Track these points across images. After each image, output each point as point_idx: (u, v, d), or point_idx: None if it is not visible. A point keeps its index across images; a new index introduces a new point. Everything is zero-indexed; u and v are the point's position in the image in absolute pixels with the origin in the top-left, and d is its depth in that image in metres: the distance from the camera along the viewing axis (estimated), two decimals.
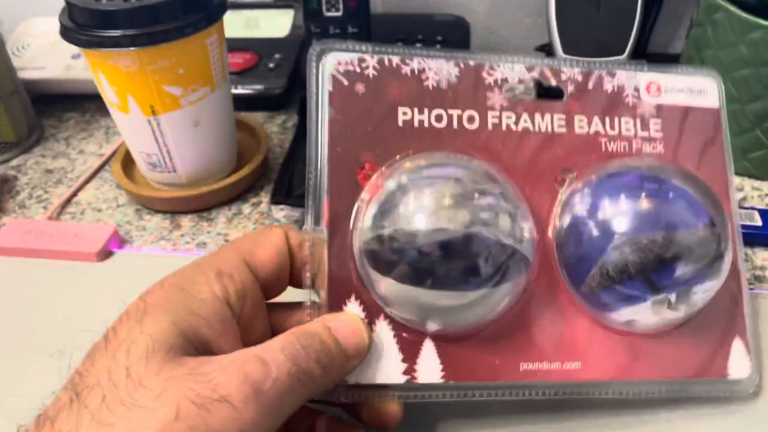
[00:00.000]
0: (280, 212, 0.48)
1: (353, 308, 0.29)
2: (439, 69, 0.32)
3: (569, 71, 0.33)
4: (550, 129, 0.32)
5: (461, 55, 0.32)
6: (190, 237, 0.46)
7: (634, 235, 0.29)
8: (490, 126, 0.32)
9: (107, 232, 0.45)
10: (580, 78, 0.33)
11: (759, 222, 0.42)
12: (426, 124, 0.31)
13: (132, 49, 0.40)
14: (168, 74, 0.42)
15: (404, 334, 0.29)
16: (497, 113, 0.32)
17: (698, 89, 0.35)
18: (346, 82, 0.31)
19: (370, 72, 0.31)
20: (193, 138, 0.45)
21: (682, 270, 0.28)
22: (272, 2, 0.66)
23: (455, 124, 0.32)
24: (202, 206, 0.48)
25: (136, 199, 0.49)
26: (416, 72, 0.32)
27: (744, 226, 0.41)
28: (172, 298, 0.26)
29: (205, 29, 0.42)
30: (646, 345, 0.31)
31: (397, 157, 0.31)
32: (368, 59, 0.31)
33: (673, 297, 0.29)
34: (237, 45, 0.62)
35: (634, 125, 0.33)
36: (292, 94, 0.61)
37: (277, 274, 0.29)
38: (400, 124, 0.31)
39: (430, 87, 0.32)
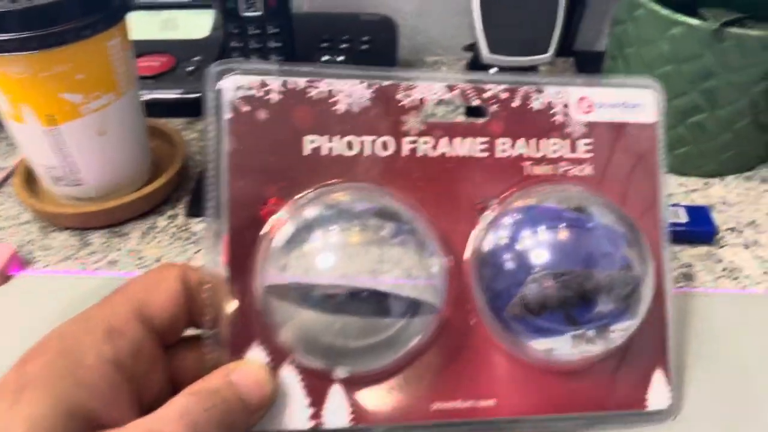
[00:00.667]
0: (199, 225, 0.45)
1: (257, 353, 0.27)
2: (350, 92, 0.29)
3: (494, 89, 0.31)
4: (470, 153, 0.30)
5: (376, 74, 0.30)
6: (101, 255, 0.43)
7: (553, 269, 0.27)
8: (405, 152, 0.30)
9: (5, 252, 0.41)
10: (504, 95, 0.31)
11: (685, 219, 0.42)
12: (335, 153, 0.29)
13: (22, 53, 0.36)
14: (65, 80, 0.38)
15: (311, 379, 0.28)
16: (414, 138, 0.30)
17: (634, 103, 0.32)
18: (247, 109, 0.28)
19: (274, 96, 0.29)
20: (99, 148, 0.42)
21: (600, 307, 0.28)
22: (190, 2, 0.63)
23: (367, 152, 0.29)
24: (113, 221, 0.45)
25: (40, 216, 0.45)
26: (325, 95, 0.29)
27: (671, 224, 0.40)
28: (55, 368, 0.23)
29: (105, 31, 0.39)
30: (564, 380, 0.30)
31: (304, 192, 0.29)
32: (271, 82, 0.29)
33: (591, 332, 0.28)
34: (153, 47, 0.59)
35: (562, 146, 0.31)
36: None
37: (174, 322, 0.27)
38: (307, 153, 0.29)
39: (341, 111, 0.29)
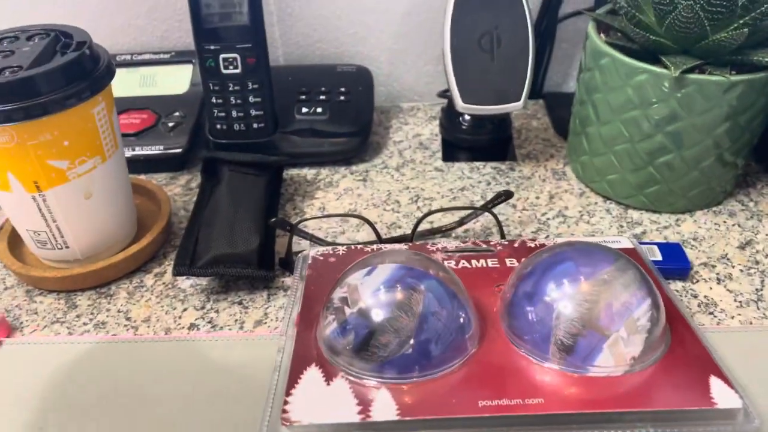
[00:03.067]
0: (186, 282, 0.45)
1: (313, 372, 0.33)
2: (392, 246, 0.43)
3: (498, 242, 0.43)
4: (484, 266, 0.41)
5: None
6: (88, 317, 0.43)
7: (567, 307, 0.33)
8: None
9: None
10: (506, 243, 0.43)
11: (659, 256, 0.44)
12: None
13: (8, 125, 0.37)
14: (52, 148, 0.39)
15: (359, 386, 0.32)
16: (441, 258, 0.42)
17: (612, 241, 0.43)
18: (321, 258, 0.42)
19: (340, 251, 0.42)
20: (85, 211, 0.43)
21: (617, 306, 0.32)
22: (169, 58, 0.64)
23: None
24: (100, 282, 0.45)
25: (25, 280, 0.45)
26: (376, 249, 0.43)
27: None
28: None
29: (90, 99, 0.39)
30: (618, 382, 0.32)
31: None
32: (339, 249, 0.42)
33: (622, 332, 0.32)
34: (133, 104, 0.60)
35: None
36: (195, 153, 0.59)
37: None
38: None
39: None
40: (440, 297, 0.33)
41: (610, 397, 0.30)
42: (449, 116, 0.60)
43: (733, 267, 0.45)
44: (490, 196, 0.53)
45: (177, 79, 0.63)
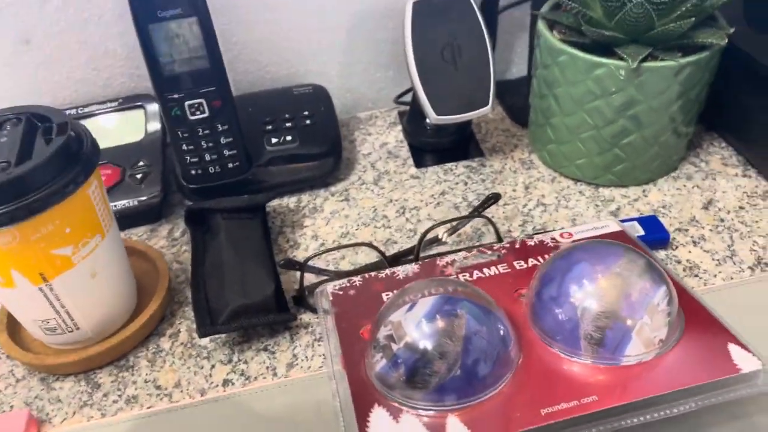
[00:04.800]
0: (204, 338, 0.46)
1: (379, 412, 0.35)
2: (404, 269, 0.44)
3: (500, 245, 0.45)
4: (497, 273, 0.43)
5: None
6: (116, 395, 0.42)
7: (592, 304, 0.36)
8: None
9: (21, 419, 0.40)
10: (507, 245, 0.45)
11: (642, 231, 0.48)
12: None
13: (11, 226, 0.36)
14: (55, 237, 0.38)
15: (427, 418, 0.34)
16: (455, 272, 0.44)
17: (601, 226, 0.46)
18: (341, 293, 0.43)
19: (357, 283, 0.44)
20: (92, 290, 0.42)
21: (635, 295, 0.36)
22: (117, 105, 0.62)
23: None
24: (116, 356, 0.45)
25: (39, 369, 0.44)
26: (390, 275, 0.44)
27: None
28: None
29: (85, 182, 0.39)
30: (649, 368, 0.35)
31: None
32: (354, 280, 0.44)
33: (645, 318, 0.35)
34: None
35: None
36: (169, 199, 0.58)
37: None
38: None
39: (401, 277, 0.44)
40: (478, 316, 0.36)
41: (650, 382, 0.34)
42: (412, 121, 0.62)
43: (703, 228, 0.50)
44: (470, 196, 0.56)
45: (130, 127, 0.61)
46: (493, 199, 0.50)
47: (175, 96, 0.51)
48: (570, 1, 0.48)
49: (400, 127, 0.65)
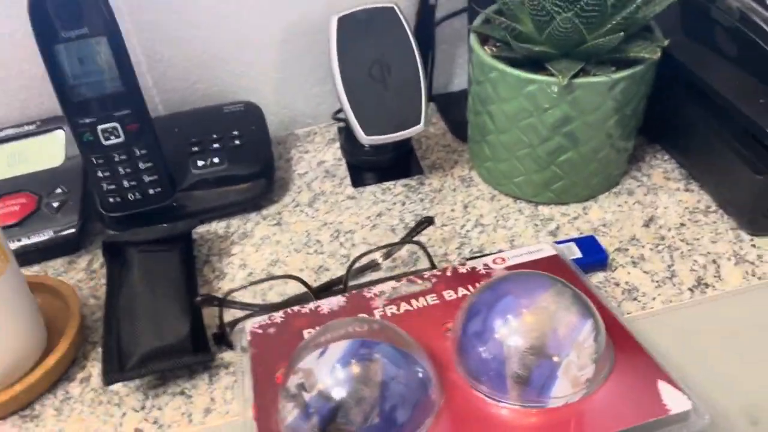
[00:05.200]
0: (116, 384, 0.42)
1: None
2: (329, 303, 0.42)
3: (431, 273, 0.43)
4: (425, 305, 0.41)
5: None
6: None
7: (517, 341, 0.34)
8: (378, 316, 0.40)
9: None
10: (439, 273, 0.43)
11: (578, 253, 0.46)
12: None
13: None
14: None
15: None
16: (381, 305, 0.41)
17: (536, 250, 0.44)
18: (260, 332, 0.40)
19: (278, 319, 0.41)
20: None
21: (562, 330, 0.33)
22: (36, 128, 0.58)
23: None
24: (21, 405, 0.41)
25: None
26: (314, 309, 0.41)
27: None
28: None
29: None
30: (578, 409, 0.33)
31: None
32: (276, 316, 0.41)
33: (572, 355, 0.33)
34: (5, 188, 0.54)
35: None
36: (89, 229, 0.55)
37: None
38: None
39: (326, 312, 0.41)
40: (396, 360, 0.33)
41: (577, 426, 0.32)
42: (349, 140, 0.59)
43: (643, 247, 0.48)
44: (407, 217, 0.53)
45: (49, 151, 0.57)
46: (427, 223, 0.48)
47: (87, 120, 0.48)
48: (499, 15, 0.46)
49: (339, 144, 0.63)
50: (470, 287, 0.41)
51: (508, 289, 0.36)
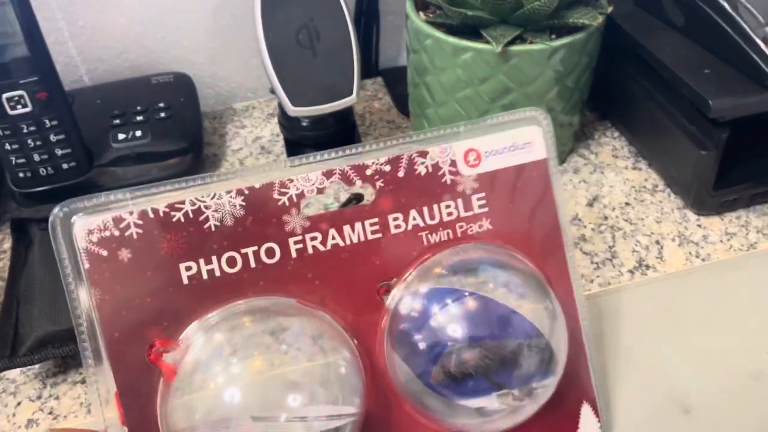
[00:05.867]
0: (14, 371, 0.39)
1: None
2: (219, 203, 0.28)
3: (375, 163, 0.30)
4: (363, 238, 0.30)
5: (242, 176, 0.28)
6: None
7: (464, 342, 0.28)
8: (294, 254, 0.29)
9: None
10: (388, 168, 0.30)
11: None
12: (218, 274, 0.28)
13: None
14: None
15: None
16: (299, 237, 0.29)
17: (522, 143, 0.31)
18: (105, 253, 0.27)
19: (133, 231, 0.27)
20: None
21: (518, 372, 0.28)
22: None
23: (253, 264, 0.28)
24: None
25: None
26: (191, 215, 0.28)
27: None
28: None
29: None
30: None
31: (193, 324, 0.28)
32: (126, 216, 0.27)
33: (516, 392, 0.29)
34: None
35: (456, 207, 0.31)
36: (2, 206, 0.51)
37: None
38: (186, 282, 0.28)
39: (213, 228, 0.28)
40: None
41: None
42: (287, 115, 0.56)
43: (585, 227, 0.46)
44: (343, 197, 0.50)
45: None
46: (355, 200, 0.45)
47: None
48: None
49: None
50: (432, 209, 0.30)
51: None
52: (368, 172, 0.30)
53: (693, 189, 0.44)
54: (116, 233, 0.27)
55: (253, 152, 0.56)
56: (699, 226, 0.45)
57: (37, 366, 0.39)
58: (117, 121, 0.52)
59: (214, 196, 0.28)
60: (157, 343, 0.27)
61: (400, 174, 0.30)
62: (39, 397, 0.38)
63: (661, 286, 0.41)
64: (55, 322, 0.38)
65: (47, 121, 0.46)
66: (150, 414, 0.27)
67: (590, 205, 0.47)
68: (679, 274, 0.42)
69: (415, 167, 0.30)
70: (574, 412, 0.32)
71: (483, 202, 0.31)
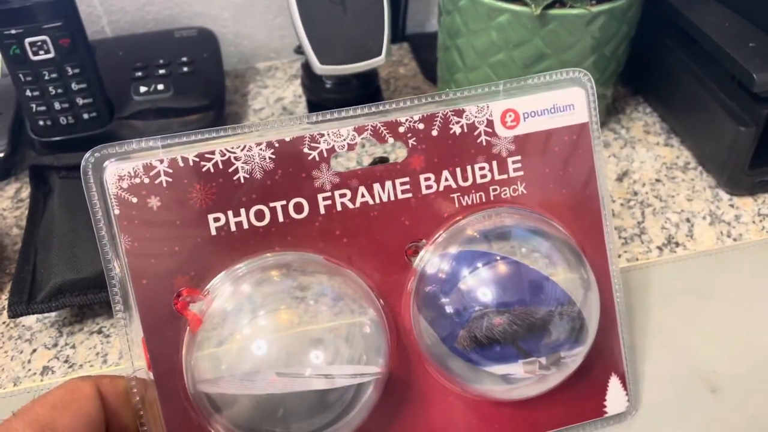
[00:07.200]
0: (30, 317, 0.39)
1: None
2: (249, 155, 0.27)
3: (408, 121, 0.28)
4: (393, 197, 0.29)
5: (274, 128, 0.28)
6: None
7: (493, 307, 0.27)
8: (322, 210, 0.28)
9: None
10: (421, 126, 0.28)
11: None
12: (245, 227, 0.27)
13: None
14: None
15: None
16: (329, 194, 0.28)
17: (564, 105, 0.30)
18: (135, 200, 0.26)
19: (163, 179, 0.26)
20: None
21: (547, 339, 0.27)
22: None
23: (281, 218, 0.28)
24: None
25: None
26: (221, 165, 0.27)
27: None
28: None
29: None
30: (521, 407, 0.30)
31: (220, 275, 0.27)
32: (157, 164, 0.26)
33: (543, 360, 0.28)
34: None
35: (490, 169, 0.29)
36: (20, 155, 0.50)
37: None
38: (214, 233, 0.27)
39: (242, 180, 0.27)
40: None
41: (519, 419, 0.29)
42: (311, 76, 0.54)
43: (614, 201, 0.45)
44: (366, 161, 0.49)
45: None
46: (380, 163, 0.44)
47: (12, 31, 0.43)
48: None
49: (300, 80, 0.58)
50: (458, 172, 0.29)
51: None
52: (401, 129, 0.29)
53: (727, 167, 0.43)
54: (146, 180, 0.26)
55: (274, 113, 0.55)
56: (731, 205, 0.44)
57: (53, 314, 0.39)
58: (139, 74, 0.51)
59: (244, 148, 0.27)
60: (184, 293, 0.27)
61: (434, 133, 0.29)
62: (55, 345, 0.37)
63: (691, 264, 0.40)
64: (73, 270, 0.37)
65: (69, 69, 0.46)
66: (175, 361, 0.26)
67: (620, 180, 0.46)
68: (709, 253, 0.41)
69: (450, 126, 0.29)
70: (601, 384, 0.31)
71: (519, 165, 0.30)
